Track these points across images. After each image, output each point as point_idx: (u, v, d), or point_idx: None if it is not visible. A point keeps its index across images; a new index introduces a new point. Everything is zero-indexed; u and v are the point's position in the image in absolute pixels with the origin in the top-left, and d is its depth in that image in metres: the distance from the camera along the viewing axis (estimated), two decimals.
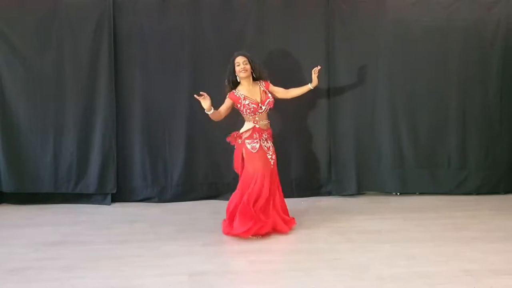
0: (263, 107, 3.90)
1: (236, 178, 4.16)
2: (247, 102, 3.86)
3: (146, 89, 4.87)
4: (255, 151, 3.84)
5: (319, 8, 4.98)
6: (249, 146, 3.85)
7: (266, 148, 3.90)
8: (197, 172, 4.97)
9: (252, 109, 3.87)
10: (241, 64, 3.88)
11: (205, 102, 3.75)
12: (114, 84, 4.79)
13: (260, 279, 2.98)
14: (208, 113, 3.80)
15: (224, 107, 3.90)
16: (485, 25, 5.04)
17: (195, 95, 3.76)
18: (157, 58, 4.84)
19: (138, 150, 4.90)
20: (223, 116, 3.92)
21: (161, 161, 4.94)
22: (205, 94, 3.75)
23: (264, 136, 3.91)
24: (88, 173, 4.81)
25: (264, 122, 3.93)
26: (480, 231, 3.87)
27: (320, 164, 5.11)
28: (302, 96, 4.95)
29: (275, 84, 4.09)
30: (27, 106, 4.74)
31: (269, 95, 3.97)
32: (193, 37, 4.85)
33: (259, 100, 3.92)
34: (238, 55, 3.94)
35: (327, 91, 5.03)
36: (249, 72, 3.91)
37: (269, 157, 3.89)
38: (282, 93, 4.09)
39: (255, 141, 3.86)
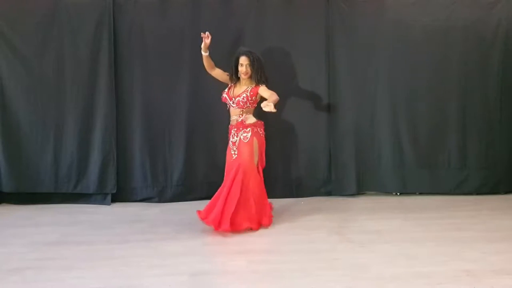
0: (234, 103, 4.05)
1: None
2: (226, 91, 4.13)
3: (146, 89, 4.87)
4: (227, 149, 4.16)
5: (319, 8, 4.98)
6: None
7: (231, 143, 4.08)
8: (197, 172, 4.97)
9: (223, 98, 4.13)
10: (244, 66, 4.02)
11: (206, 41, 4.05)
12: (114, 84, 4.79)
13: (260, 279, 2.98)
14: (203, 53, 4.10)
15: (220, 71, 4.24)
16: (485, 25, 5.04)
17: (202, 35, 4.04)
18: (157, 58, 4.84)
19: (138, 150, 4.90)
20: (212, 71, 4.22)
21: (161, 161, 4.94)
22: (208, 34, 4.05)
23: (233, 131, 4.09)
24: (88, 173, 4.81)
25: (234, 117, 4.11)
26: (480, 231, 3.87)
27: (320, 164, 5.10)
28: (302, 96, 5.00)
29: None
30: (27, 106, 4.74)
31: (245, 95, 4.03)
32: (193, 37, 4.83)
33: (235, 95, 4.07)
34: (243, 54, 4.03)
35: (327, 91, 5.02)
36: (249, 74, 4.05)
37: (232, 152, 4.05)
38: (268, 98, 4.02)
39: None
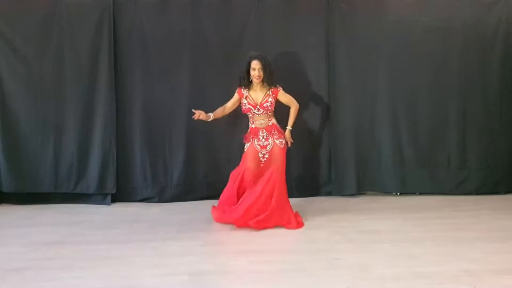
0: (261, 110, 4.07)
1: None
2: (246, 101, 4.09)
3: (146, 89, 4.87)
4: (246, 149, 4.17)
5: (319, 8, 4.98)
6: (245, 146, 4.15)
7: (258, 146, 4.08)
8: (197, 172, 4.97)
9: (247, 109, 4.10)
10: (256, 70, 4.03)
11: (202, 118, 4.04)
12: (114, 84, 4.78)
13: (260, 279, 2.98)
14: (210, 120, 4.06)
15: (231, 102, 4.17)
16: (485, 25, 5.04)
17: (194, 117, 4.03)
18: (157, 58, 4.84)
19: (138, 150, 4.90)
20: (228, 111, 4.19)
21: (161, 161, 4.93)
22: (197, 111, 4.01)
23: (260, 134, 4.09)
24: (88, 173, 4.81)
25: (261, 122, 4.11)
26: (480, 231, 3.87)
27: (320, 164, 5.11)
28: (302, 96, 4.98)
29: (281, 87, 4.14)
30: (27, 106, 4.74)
31: (270, 99, 4.07)
32: (193, 37, 4.84)
33: (258, 102, 4.07)
34: (255, 58, 4.05)
35: (327, 91, 5.03)
36: (262, 78, 4.06)
37: (260, 156, 4.08)
38: (287, 103, 4.21)
39: (249, 141, 4.12)
